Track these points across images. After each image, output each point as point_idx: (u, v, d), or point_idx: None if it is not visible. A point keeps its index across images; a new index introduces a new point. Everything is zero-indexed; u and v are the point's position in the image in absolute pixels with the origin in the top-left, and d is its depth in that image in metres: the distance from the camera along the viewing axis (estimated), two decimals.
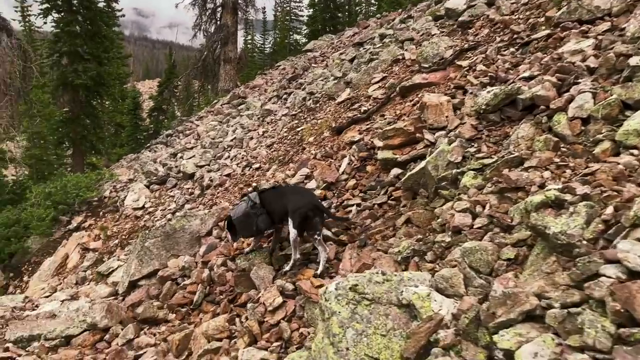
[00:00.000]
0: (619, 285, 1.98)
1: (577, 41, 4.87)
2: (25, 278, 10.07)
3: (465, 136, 4.21)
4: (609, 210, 2.40)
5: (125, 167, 15.09)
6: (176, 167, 11.35)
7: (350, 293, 2.50)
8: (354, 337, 2.37)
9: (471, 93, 5.19)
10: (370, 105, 7.75)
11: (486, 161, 3.82)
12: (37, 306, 6.74)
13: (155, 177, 11.24)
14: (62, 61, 18.44)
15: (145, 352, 4.18)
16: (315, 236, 4.35)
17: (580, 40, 4.84)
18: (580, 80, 4.04)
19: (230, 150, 10.80)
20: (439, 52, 7.36)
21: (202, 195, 9.33)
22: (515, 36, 6.46)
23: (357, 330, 2.38)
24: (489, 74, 5.23)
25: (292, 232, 4.45)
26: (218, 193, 8.89)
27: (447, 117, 5.09)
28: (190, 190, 9.87)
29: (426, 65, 7.35)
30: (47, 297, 7.82)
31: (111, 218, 10.58)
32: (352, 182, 5.56)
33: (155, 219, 9.47)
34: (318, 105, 10.07)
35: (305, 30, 34.79)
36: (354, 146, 6.18)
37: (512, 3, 7.51)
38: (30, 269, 10.30)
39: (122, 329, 4.72)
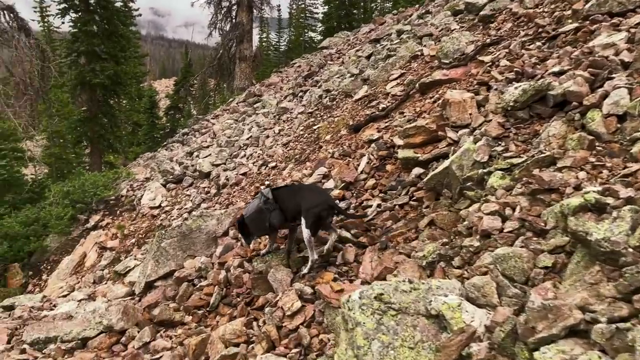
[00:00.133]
0: None
1: (608, 34, 4.64)
2: (44, 276, 10.15)
3: (492, 134, 4.02)
4: None
5: (142, 166, 15.15)
6: (192, 165, 11.31)
7: (376, 302, 2.35)
8: (380, 349, 2.23)
9: (496, 89, 4.99)
10: (388, 102, 7.58)
11: (515, 161, 3.63)
12: (54, 306, 6.74)
13: (171, 176, 11.23)
14: (80, 61, 18.64)
15: (161, 357, 4.10)
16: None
17: (612, 34, 4.61)
18: (614, 75, 3.82)
19: (246, 149, 10.72)
20: (459, 48, 7.14)
21: (218, 194, 9.26)
22: (540, 30, 6.23)
23: (384, 342, 2.24)
24: (515, 69, 5.01)
25: (306, 232, 4.32)
26: (234, 192, 8.81)
27: (470, 114, 4.90)
28: (206, 189, 9.81)
29: (446, 61, 7.14)
30: (64, 296, 7.84)
31: (128, 217, 10.60)
32: (371, 182, 5.41)
33: (172, 218, 9.45)
34: (335, 102, 9.92)
35: (320, 27, 34.68)
36: (372, 145, 6.02)
37: None
38: (49, 267, 10.38)
39: (138, 332, 4.65)
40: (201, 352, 4.02)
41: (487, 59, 6.33)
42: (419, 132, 5.05)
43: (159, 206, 10.28)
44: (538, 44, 5.68)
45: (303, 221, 4.36)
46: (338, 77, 11.60)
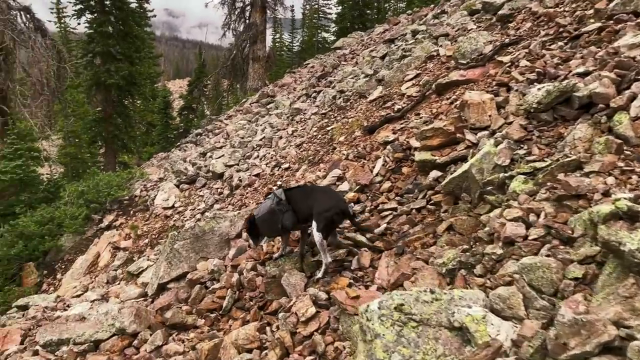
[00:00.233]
0: None
1: (634, 34, 4.48)
2: (59, 276, 10.20)
3: (514, 137, 3.89)
4: None
5: (156, 166, 15.20)
6: (205, 166, 11.30)
7: (396, 313, 2.26)
8: None
9: (517, 90, 4.85)
10: (404, 103, 7.46)
11: (538, 165, 3.50)
12: (68, 306, 6.75)
13: (184, 177, 11.22)
14: (95, 61, 18.79)
15: None
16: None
17: (638, 34, 4.45)
18: None
19: (259, 150, 10.67)
20: (477, 48, 7.00)
21: (231, 195, 9.22)
22: (561, 30, 6.07)
23: (404, 355, 2.14)
24: (537, 69, 4.87)
25: (317, 236, 4.22)
26: (247, 193, 8.76)
27: (490, 116, 4.77)
28: (219, 190, 9.78)
29: (464, 62, 7.00)
30: (78, 296, 7.86)
31: (141, 217, 10.61)
32: (387, 185, 5.30)
33: (185, 218, 9.43)
34: (349, 103, 9.82)
35: (333, 28, 34.58)
36: (388, 146, 5.91)
37: None
38: (63, 266, 10.43)
39: (150, 335, 4.60)
40: (214, 357, 3.95)
41: (506, 59, 6.18)
42: (436, 134, 4.94)
43: (172, 207, 10.28)
44: (560, 43, 5.52)
45: (314, 224, 4.27)
46: (352, 78, 11.50)
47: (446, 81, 6.75)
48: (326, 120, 9.78)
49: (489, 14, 8.96)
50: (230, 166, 10.45)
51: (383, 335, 2.22)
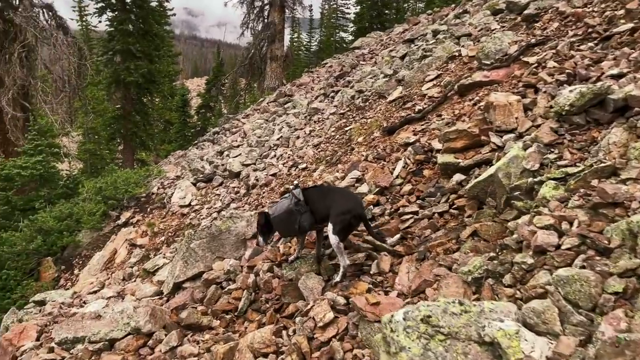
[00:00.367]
0: None
1: None
2: (76, 271, 10.28)
3: (544, 140, 3.73)
4: None
5: (173, 164, 15.26)
6: (222, 165, 11.28)
7: (422, 325, 2.14)
8: None
9: (545, 92, 4.68)
10: (425, 104, 7.31)
11: (570, 170, 3.34)
12: (84, 303, 6.76)
13: (201, 175, 11.22)
14: (116, 59, 18.97)
15: None
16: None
17: None
18: None
19: (276, 149, 10.60)
20: (502, 48, 6.82)
21: (248, 194, 9.17)
22: (590, 30, 5.88)
23: None
24: (566, 70, 4.69)
25: (333, 238, 4.11)
26: (263, 193, 8.70)
27: (516, 118, 4.61)
28: (236, 189, 9.74)
29: (487, 62, 6.83)
30: (95, 292, 7.88)
31: (158, 214, 10.63)
32: (407, 187, 5.17)
33: (201, 217, 9.41)
34: (367, 103, 9.69)
35: (351, 27, 34.41)
36: (409, 148, 5.77)
37: None
38: (80, 262, 10.51)
39: (165, 335, 4.55)
40: None
41: (532, 60, 6.01)
42: (460, 136, 4.79)
43: (189, 205, 10.28)
44: (590, 44, 5.33)
45: (330, 226, 4.16)
46: (371, 78, 11.37)
47: (469, 82, 6.59)
48: (344, 121, 9.67)
49: (513, 14, 8.76)
50: (247, 165, 10.41)
51: (409, 348, 2.11)
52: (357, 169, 6.19)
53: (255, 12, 25.21)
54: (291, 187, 7.28)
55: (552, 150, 3.68)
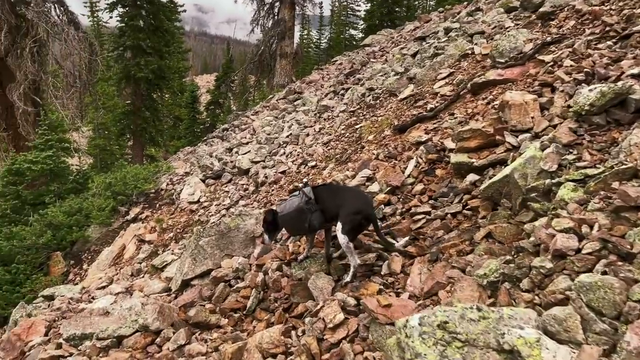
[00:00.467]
0: None
1: None
2: (85, 266, 10.30)
3: (562, 141, 3.63)
4: None
5: (182, 160, 15.27)
6: (231, 162, 11.24)
7: (439, 331, 2.07)
8: None
9: (562, 91, 4.58)
10: (437, 102, 7.21)
11: (590, 171, 3.24)
12: (93, 298, 6.77)
13: (210, 172, 11.19)
14: (126, 55, 19.01)
15: None
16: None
17: None
18: None
19: (285, 147, 10.54)
20: (517, 46, 6.71)
21: (257, 192, 9.13)
22: (607, 28, 5.75)
23: None
24: (585, 69, 4.58)
25: (342, 238, 4.05)
26: (272, 190, 8.65)
27: (532, 117, 4.51)
28: (244, 186, 9.70)
29: (502, 60, 6.72)
30: (103, 287, 7.89)
31: (167, 211, 10.63)
32: (419, 187, 5.09)
33: (210, 214, 9.38)
34: (378, 101, 9.60)
35: (361, 25, 34.24)
36: (421, 147, 5.69)
37: None
38: (89, 257, 10.54)
39: (173, 333, 4.52)
40: None
41: (547, 58, 5.89)
42: (474, 136, 4.70)
43: (198, 201, 10.25)
44: (609, 43, 5.21)
45: (340, 226, 4.10)
46: (382, 75, 11.27)
47: (482, 80, 6.49)
48: (354, 118, 9.58)
49: (527, 12, 8.63)
50: (256, 162, 10.37)
51: (425, 355, 2.03)
52: (368, 167, 6.11)
53: (265, 8, 25.17)
54: (300, 185, 7.23)
55: (571, 151, 3.59)
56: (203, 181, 10.94)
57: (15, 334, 5.32)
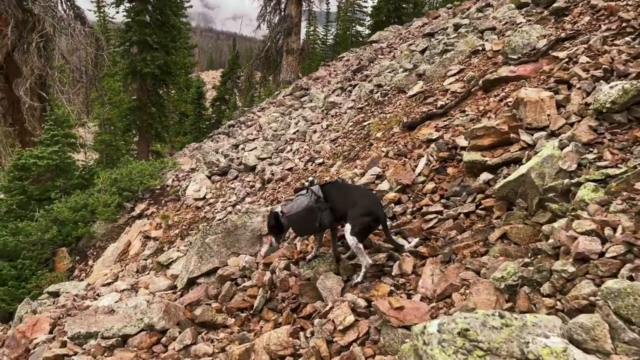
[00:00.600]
0: None
1: None
2: (90, 262, 10.27)
3: (582, 140, 3.51)
4: None
5: (188, 156, 15.20)
6: (238, 158, 11.16)
7: (459, 339, 1.97)
8: None
9: (579, 88, 4.45)
10: (447, 99, 7.08)
11: (611, 171, 3.12)
12: (98, 295, 6.71)
13: (216, 168, 11.12)
14: (132, 50, 18.96)
15: None
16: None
17: None
18: None
19: (292, 144, 10.45)
20: (530, 42, 6.56)
21: (263, 189, 9.04)
22: (624, 24, 5.58)
23: None
24: (603, 66, 4.44)
25: (352, 239, 3.96)
26: (279, 187, 8.56)
27: (548, 115, 4.38)
28: (251, 183, 9.62)
29: (514, 57, 6.58)
30: (108, 284, 7.84)
31: (172, 207, 10.57)
32: (430, 185, 4.98)
33: (216, 210, 9.31)
34: (387, 98, 9.47)
35: (368, 21, 34.02)
36: (432, 145, 5.57)
37: None
38: (95, 253, 10.50)
39: (179, 332, 4.44)
40: None
41: (562, 54, 5.75)
42: (488, 134, 4.58)
43: (204, 198, 10.19)
44: (627, 39, 5.05)
45: (348, 227, 4.01)
46: (390, 72, 11.14)
47: (494, 77, 6.36)
48: (362, 115, 9.47)
49: (539, 8, 8.46)
50: (263, 159, 10.27)
51: None
52: (378, 165, 6.00)
53: (272, 4, 25.02)
54: (306, 183, 7.13)
55: (591, 149, 3.46)
56: (209, 178, 10.87)
57: (20, 331, 5.26)
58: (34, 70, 15.52)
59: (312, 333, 3.83)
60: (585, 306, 2.29)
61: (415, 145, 6.08)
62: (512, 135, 4.48)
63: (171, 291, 6.14)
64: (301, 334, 3.92)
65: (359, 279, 4.07)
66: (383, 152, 6.46)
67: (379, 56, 14.70)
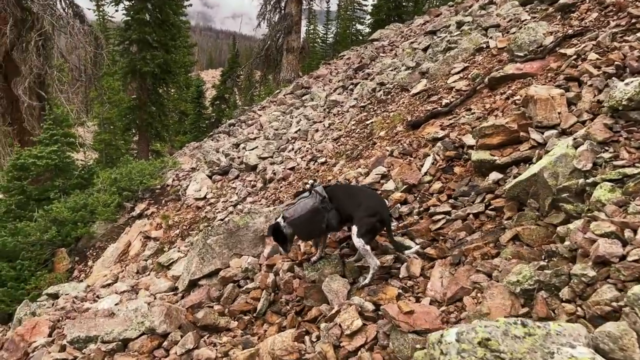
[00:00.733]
0: None
1: None
2: (90, 263, 10.16)
3: (597, 138, 3.40)
4: None
5: (188, 156, 15.09)
6: (239, 157, 11.05)
7: (480, 350, 1.86)
8: None
9: (590, 85, 4.34)
10: (452, 97, 6.98)
11: (628, 171, 3.01)
12: (98, 297, 6.61)
13: (217, 167, 11.01)
14: (132, 49, 18.85)
15: None
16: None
17: None
18: None
19: (294, 143, 10.34)
20: (536, 39, 6.45)
21: (265, 188, 8.94)
22: (634, 20, 5.48)
23: None
24: (615, 62, 4.34)
25: (358, 241, 3.87)
26: (281, 187, 8.45)
27: (559, 113, 4.27)
28: (252, 182, 9.51)
29: (520, 54, 6.46)
30: (108, 285, 7.74)
31: (173, 207, 10.46)
32: (437, 185, 4.87)
33: (217, 210, 9.21)
34: (389, 96, 9.36)
35: (368, 20, 33.91)
36: (438, 143, 5.46)
37: None
38: (94, 253, 10.39)
39: (181, 336, 4.34)
40: None
41: (570, 51, 5.64)
42: (496, 132, 4.47)
43: (204, 198, 10.08)
44: (638, 35, 4.95)
45: (355, 229, 3.92)
46: (392, 70, 11.02)
47: (500, 75, 6.25)
48: (365, 114, 9.36)
49: (544, 4, 8.35)
50: (264, 158, 10.16)
51: None
52: (382, 164, 5.90)
53: (272, 3, 24.88)
54: (308, 185, 7.01)
55: (607, 148, 3.35)
56: (210, 177, 10.76)
57: (18, 334, 5.16)
58: (32, 69, 15.40)
59: (318, 337, 3.73)
60: (608, 312, 2.18)
61: (421, 144, 5.97)
62: (521, 133, 4.38)
63: (172, 293, 6.04)
64: (306, 338, 3.82)
65: (366, 281, 3.96)
66: (387, 151, 6.35)
67: (381, 54, 14.58)
